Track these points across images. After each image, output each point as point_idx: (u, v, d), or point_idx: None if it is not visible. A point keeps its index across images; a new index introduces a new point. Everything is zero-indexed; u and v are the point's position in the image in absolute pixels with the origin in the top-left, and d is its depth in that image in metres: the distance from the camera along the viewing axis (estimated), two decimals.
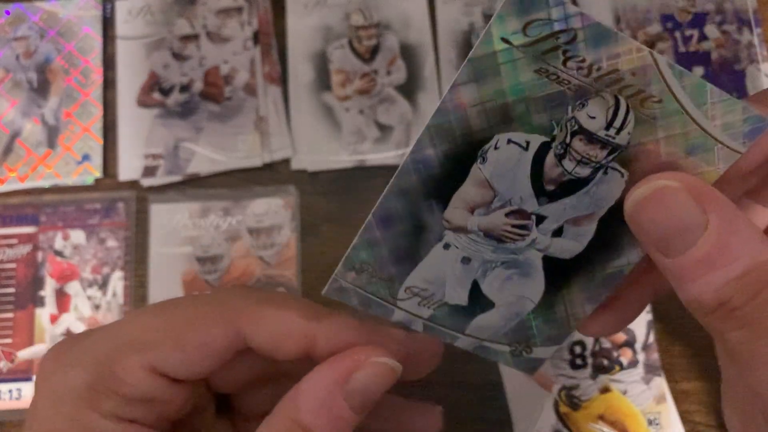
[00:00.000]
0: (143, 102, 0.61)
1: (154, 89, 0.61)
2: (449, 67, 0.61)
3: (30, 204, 0.59)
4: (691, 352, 0.53)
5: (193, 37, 0.62)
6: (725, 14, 0.59)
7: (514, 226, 0.26)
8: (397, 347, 0.31)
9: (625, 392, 0.51)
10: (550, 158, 0.25)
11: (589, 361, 0.51)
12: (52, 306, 0.57)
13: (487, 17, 0.62)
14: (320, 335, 0.30)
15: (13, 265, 0.58)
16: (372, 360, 0.29)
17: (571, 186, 0.25)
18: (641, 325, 0.52)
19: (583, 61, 0.23)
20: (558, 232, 0.26)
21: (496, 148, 0.25)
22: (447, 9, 0.62)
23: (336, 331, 0.30)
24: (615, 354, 0.51)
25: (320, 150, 0.59)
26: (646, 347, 0.51)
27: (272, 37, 0.62)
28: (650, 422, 0.50)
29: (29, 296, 0.57)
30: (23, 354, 0.56)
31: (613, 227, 0.25)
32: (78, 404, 0.28)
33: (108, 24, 0.63)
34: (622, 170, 0.24)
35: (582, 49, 0.22)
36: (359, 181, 0.59)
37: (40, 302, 0.57)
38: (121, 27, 0.63)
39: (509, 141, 0.25)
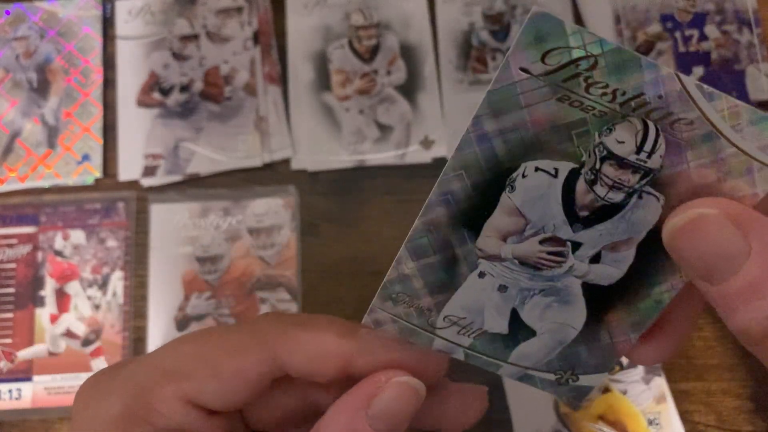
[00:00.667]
0: (143, 102, 0.61)
1: (154, 89, 0.61)
2: (449, 67, 0.61)
3: (30, 204, 0.59)
4: (691, 352, 0.53)
5: (193, 37, 0.62)
6: (725, 14, 0.59)
7: (549, 253, 0.26)
8: (434, 366, 0.30)
9: (625, 392, 0.51)
10: (580, 185, 0.24)
11: None
12: (52, 306, 0.57)
13: (487, 17, 0.62)
14: (357, 352, 0.29)
15: (13, 265, 0.58)
16: (393, 381, 0.28)
17: (605, 212, 0.24)
18: None
19: (606, 86, 0.22)
20: (596, 259, 0.26)
21: (524, 176, 0.24)
22: (447, 9, 0.62)
23: (373, 347, 0.29)
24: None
25: (320, 150, 0.59)
26: None
27: (272, 37, 0.62)
28: (650, 422, 0.50)
29: (29, 296, 0.57)
30: (23, 354, 0.56)
31: (653, 252, 0.25)
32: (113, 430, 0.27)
33: (108, 24, 0.63)
34: (658, 194, 0.24)
35: (604, 74, 0.22)
36: (359, 181, 0.59)
37: (40, 302, 0.57)
38: (121, 27, 0.63)
39: (537, 169, 0.24)
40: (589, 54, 0.22)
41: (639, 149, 0.23)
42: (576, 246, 0.25)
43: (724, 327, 0.53)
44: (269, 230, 0.58)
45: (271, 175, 0.59)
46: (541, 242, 0.25)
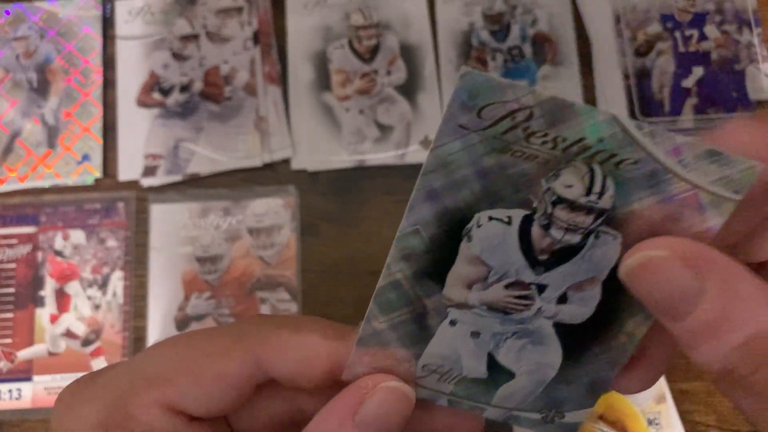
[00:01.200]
0: (143, 102, 0.61)
1: (154, 89, 0.61)
2: (449, 67, 0.61)
3: (30, 204, 0.59)
4: None
5: (193, 37, 0.62)
6: (725, 14, 0.59)
7: (516, 297, 0.26)
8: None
9: None
10: (536, 229, 0.24)
11: None
12: (52, 306, 0.57)
13: (486, 17, 0.62)
14: (346, 355, 0.28)
15: (13, 265, 0.58)
16: (381, 386, 0.27)
17: (564, 253, 0.24)
18: None
19: (546, 135, 0.22)
20: (563, 299, 0.26)
21: (478, 226, 0.24)
22: (447, 9, 0.62)
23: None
24: None
25: (320, 150, 0.59)
26: None
27: (272, 37, 0.62)
28: (650, 422, 0.50)
29: (29, 296, 0.57)
30: (23, 354, 0.56)
31: (619, 289, 0.24)
32: None
33: (108, 24, 0.63)
34: (614, 233, 0.24)
35: (542, 124, 0.22)
36: (359, 181, 0.59)
37: (40, 302, 0.57)
38: (121, 27, 0.63)
39: (490, 218, 0.24)
40: (523, 106, 0.22)
41: (588, 191, 0.23)
42: (541, 288, 0.25)
43: None
44: (269, 230, 0.58)
45: (271, 175, 0.59)
46: (506, 287, 0.25)
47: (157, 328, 0.56)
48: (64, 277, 0.57)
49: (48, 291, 0.57)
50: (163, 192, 0.59)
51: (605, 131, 0.22)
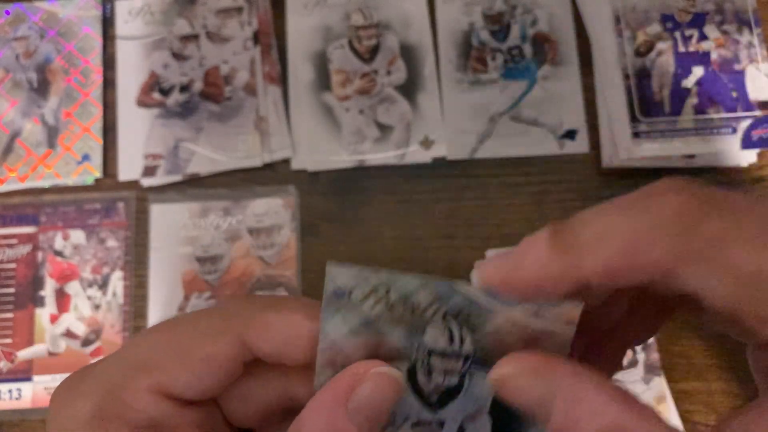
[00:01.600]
0: (143, 102, 0.61)
1: (154, 89, 0.61)
2: (449, 67, 0.61)
3: (30, 204, 0.59)
4: (691, 352, 0.53)
5: (193, 37, 0.62)
6: (725, 14, 0.59)
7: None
8: None
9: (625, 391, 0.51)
10: (421, 377, 0.28)
11: None
12: (52, 306, 0.57)
13: (487, 17, 0.62)
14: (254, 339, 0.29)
15: (13, 265, 0.58)
16: (373, 372, 0.27)
17: (450, 393, 0.28)
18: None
19: (404, 304, 0.27)
20: (462, 430, 0.29)
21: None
22: (447, 9, 0.62)
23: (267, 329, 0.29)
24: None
25: (320, 150, 0.59)
26: (646, 347, 0.51)
27: (272, 37, 0.62)
28: None
29: (29, 296, 0.57)
30: (23, 354, 0.56)
31: (504, 412, 0.28)
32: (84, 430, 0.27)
33: (108, 24, 0.63)
34: (484, 370, 0.27)
35: (399, 298, 0.27)
36: (359, 181, 0.59)
37: (40, 302, 0.57)
38: (121, 27, 0.63)
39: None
40: (378, 287, 0.26)
41: (451, 341, 0.27)
42: (441, 424, 0.29)
43: None
44: (269, 230, 0.58)
45: (271, 175, 0.59)
46: (412, 426, 0.29)
47: None
48: (64, 277, 0.57)
49: (48, 291, 0.57)
50: (163, 192, 0.59)
51: (451, 297, 0.27)
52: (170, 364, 0.27)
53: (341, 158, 0.59)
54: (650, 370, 0.51)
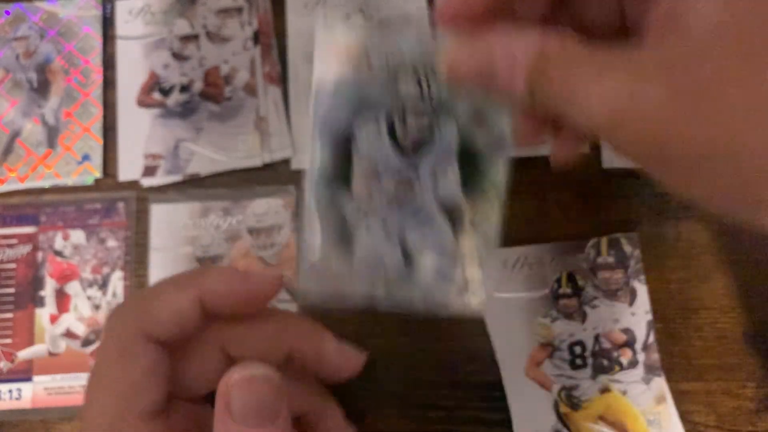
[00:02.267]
0: (143, 102, 0.61)
1: (154, 89, 0.61)
2: None
3: (30, 204, 0.59)
4: (691, 353, 0.53)
5: (193, 37, 0.62)
6: None
7: (399, 183, 0.35)
8: (271, 286, 0.38)
9: (624, 392, 0.51)
10: (397, 123, 0.33)
11: (589, 361, 0.51)
12: (52, 306, 0.57)
13: None
14: (205, 293, 0.36)
15: (13, 265, 0.58)
16: (234, 379, 0.31)
17: (422, 141, 0.33)
18: (641, 325, 0.51)
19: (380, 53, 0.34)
20: (435, 177, 0.34)
21: (360, 133, 0.34)
22: None
23: (213, 283, 0.36)
24: (615, 354, 0.51)
25: None
26: (646, 347, 0.51)
27: (272, 37, 0.62)
28: (650, 422, 0.50)
29: (29, 296, 0.57)
30: (23, 354, 0.56)
31: (469, 161, 0.34)
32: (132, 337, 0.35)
33: (108, 24, 0.63)
34: (450, 120, 0.33)
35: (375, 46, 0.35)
36: None
37: (40, 302, 0.57)
38: (121, 27, 0.63)
39: (366, 121, 0.34)
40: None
41: (421, 93, 0.32)
42: (416, 171, 0.34)
43: (724, 328, 0.53)
44: (269, 230, 0.58)
45: (271, 175, 0.59)
46: (394, 179, 0.34)
47: None
48: (64, 277, 0.57)
49: (48, 291, 0.57)
50: (163, 192, 0.59)
51: (415, 48, 0.32)
52: (156, 310, 0.36)
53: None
54: (650, 370, 0.51)
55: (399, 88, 0.32)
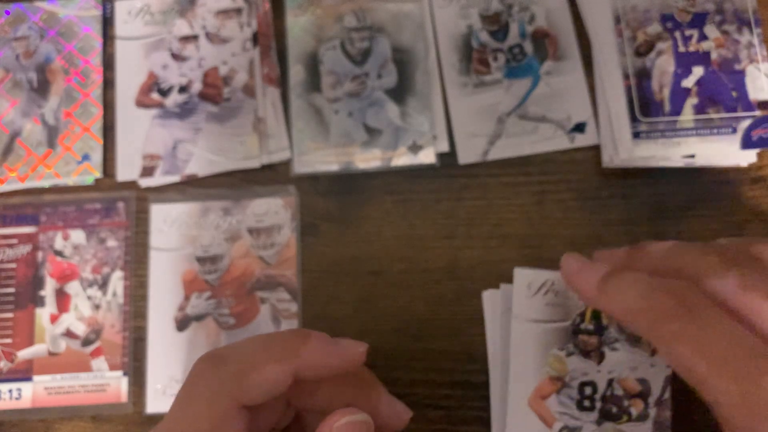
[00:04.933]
0: (142, 102, 0.61)
1: (153, 90, 0.61)
2: (452, 71, 0.60)
3: (30, 204, 0.59)
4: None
5: (192, 38, 0.62)
6: (725, 14, 0.59)
7: (356, 82, 0.57)
8: (357, 356, 0.39)
9: None
10: (348, 47, 0.54)
11: (598, 405, 0.48)
12: (52, 306, 0.57)
13: (484, 18, 0.61)
14: (302, 366, 0.36)
15: (13, 265, 0.58)
16: (340, 423, 0.33)
17: (366, 53, 0.53)
18: (659, 378, 0.48)
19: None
20: (380, 76, 0.57)
21: (324, 54, 0.58)
22: (444, 13, 0.61)
23: (311, 356, 0.37)
24: (626, 403, 0.48)
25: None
26: (659, 403, 0.48)
27: (272, 38, 0.62)
28: None
29: (29, 296, 0.57)
30: (23, 354, 0.56)
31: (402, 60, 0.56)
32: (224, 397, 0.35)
33: (108, 24, 0.63)
34: (382, 35, 0.47)
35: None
36: (359, 181, 0.59)
37: (40, 302, 0.57)
38: (120, 27, 0.63)
39: (326, 49, 0.53)
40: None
41: (358, 20, 0.51)
42: (367, 75, 0.57)
43: None
44: (269, 230, 0.58)
45: (271, 175, 0.59)
46: (351, 80, 0.57)
47: (157, 328, 0.56)
48: (64, 277, 0.58)
49: (48, 291, 0.57)
50: (163, 192, 0.59)
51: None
52: (252, 376, 0.36)
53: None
54: (659, 427, 0.48)
55: (344, 22, 0.56)
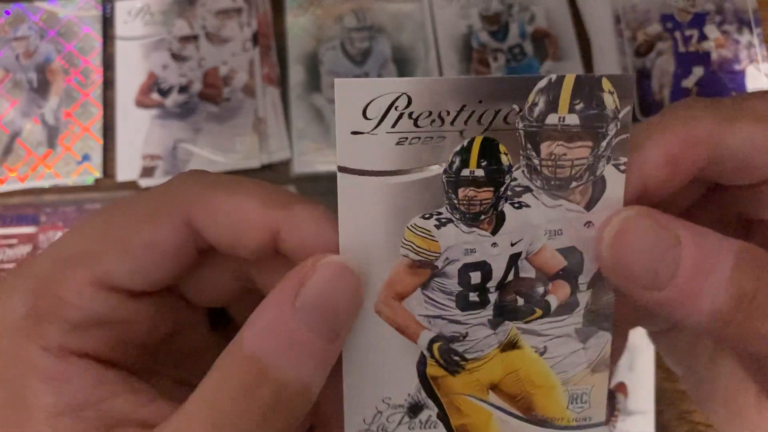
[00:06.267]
0: (142, 102, 0.61)
1: (153, 90, 0.61)
2: (452, 71, 0.60)
3: (30, 204, 0.59)
4: None
5: (192, 38, 0.62)
6: (725, 14, 0.59)
7: None
8: None
9: (543, 352, 0.29)
10: (347, 46, 0.44)
11: (492, 298, 0.27)
12: None
13: (484, 18, 0.61)
14: (284, 226, 0.24)
15: (13, 265, 0.58)
16: (322, 262, 0.23)
17: (365, 52, 0.40)
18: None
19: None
20: (380, 77, 0.52)
21: (324, 55, 0.51)
22: (444, 13, 0.61)
23: (301, 220, 0.24)
24: (540, 289, 0.28)
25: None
26: (595, 282, 0.28)
27: (272, 38, 0.62)
28: (573, 398, 0.30)
29: None
30: None
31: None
32: (15, 337, 0.23)
33: (108, 24, 0.63)
34: (381, 33, 0.35)
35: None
36: None
37: None
38: (121, 27, 0.63)
39: (326, 49, 0.45)
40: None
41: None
42: (366, 75, 0.61)
43: None
44: None
45: (271, 175, 0.59)
46: None
47: None
48: None
49: None
50: None
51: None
52: (108, 253, 0.24)
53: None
54: (595, 318, 0.29)
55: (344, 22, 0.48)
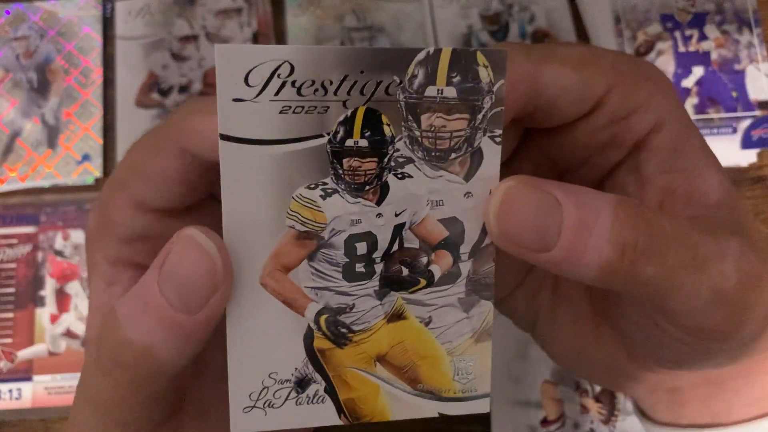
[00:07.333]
0: (142, 102, 0.61)
1: (153, 90, 0.61)
2: None
3: (30, 204, 0.59)
4: None
5: (192, 38, 0.62)
6: (725, 14, 0.59)
7: None
8: None
9: (428, 322, 0.29)
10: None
11: (378, 269, 0.28)
12: (52, 306, 0.57)
13: (484, 18, 0.61)
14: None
15: (13, 265, 0.58)
16: (179, 235, 0.24)
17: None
18: (477, 215, 0.27)
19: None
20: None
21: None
22: (444, 13, 0.61)
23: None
24: (423, 259, 0.28)
25: None
26: (476, 251, 0.29)
27: (272, 38, 0.62)
28: (459, 370, 0.29)
29: (29, 296, 0.57)
30: (23, 354, 0.56)
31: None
32: (91, 244, 0.29)
33: (108, 24, 0.63)
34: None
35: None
36: None
37: (40, 302, 0.57)
38: (121, 27, 0.63)
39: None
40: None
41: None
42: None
43: None
44: None
45: None
46: None
47: None
48: (64, 277, 0.58)
49: (48, 291, 0.57)
50: None
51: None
52: (135, 180, 0.28)
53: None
54: (477, 288, 0.29)
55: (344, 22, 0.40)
